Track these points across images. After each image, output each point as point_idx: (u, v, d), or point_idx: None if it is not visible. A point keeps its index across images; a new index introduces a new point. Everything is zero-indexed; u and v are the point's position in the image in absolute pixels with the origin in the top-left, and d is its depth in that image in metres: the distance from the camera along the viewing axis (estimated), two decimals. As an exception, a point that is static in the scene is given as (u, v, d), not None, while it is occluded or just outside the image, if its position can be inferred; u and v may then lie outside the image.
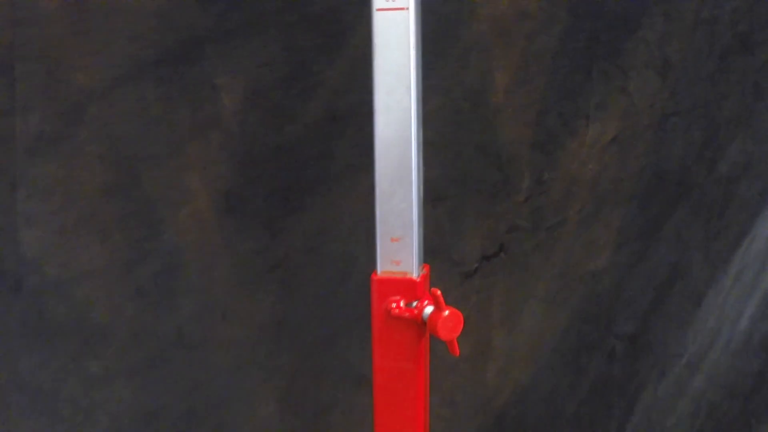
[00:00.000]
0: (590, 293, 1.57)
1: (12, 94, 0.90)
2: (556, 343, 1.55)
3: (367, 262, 1.09)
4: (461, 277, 1.37)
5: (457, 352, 0.84)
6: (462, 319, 0.82)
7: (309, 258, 1.18)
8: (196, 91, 1.02)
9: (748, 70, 1.65)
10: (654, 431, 1.78)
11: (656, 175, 1.58)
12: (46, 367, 0.98)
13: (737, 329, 1.84)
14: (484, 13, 1.25)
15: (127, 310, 1.03)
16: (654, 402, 1.76)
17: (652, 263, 1.65)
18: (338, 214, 1.19)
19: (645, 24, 1.46)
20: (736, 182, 1.73)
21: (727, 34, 1.58)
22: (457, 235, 1.35)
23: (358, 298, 1.16)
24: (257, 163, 1.10)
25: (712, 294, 1.78)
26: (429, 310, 0.83)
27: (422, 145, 0.86)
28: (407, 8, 0.81)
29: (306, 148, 1.14)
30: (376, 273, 0.85)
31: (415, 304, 0.84)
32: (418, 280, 0.84)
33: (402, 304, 0.84)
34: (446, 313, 0.81)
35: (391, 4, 0.81)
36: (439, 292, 0.81)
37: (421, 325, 0.84)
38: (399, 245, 0.84)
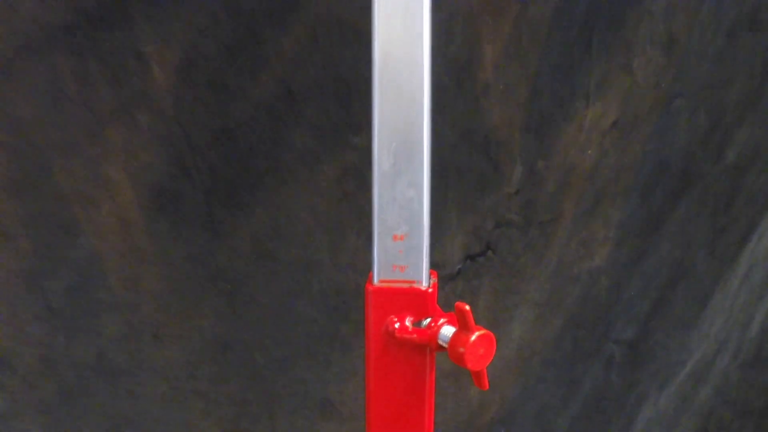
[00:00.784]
0: (586, 295, 1.55)
1: None
2: (548, 351, 1.53)
3: (331, 269, 1.04)
4: (442, 280, 1.32)
5: (487, 385, 0.70)
6: (495, 342, 0.68)
7: (259, 266, 1.12)
8: (119, 63, 0.95)
9: (758, 48, 1.62)
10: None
11: (659, 164, 1.55)
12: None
13: (747, 336, 1.81)
14: (471, -25, 1.20)
15: (36, 331, 0.99)
16: (655, 416, 1.77)
17: (653, 261, 1.63)
18: (294, 212, 1.12)
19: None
20: (744, 172, 1.71)
21: (734, 9, 1.55)
22: (438, 231, 1.29)
23: (318, 312, 1.10)
24: (195, 150, 1.03)
25: (719, 295, 1.77)
26: (448, 331, 0.69)
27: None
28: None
29: (255, 132, 1.06)
30: (371, 282, 0.72)
31: (426, 322, 0.71)
32: (430, 290, 0.71)
33: (409, 322, 0.71)
34: (475, 335, 0.66)
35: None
36: (467, 307, 0.66)
37: (434, 350, 0.71)
38: (403, 245, 0.71)
